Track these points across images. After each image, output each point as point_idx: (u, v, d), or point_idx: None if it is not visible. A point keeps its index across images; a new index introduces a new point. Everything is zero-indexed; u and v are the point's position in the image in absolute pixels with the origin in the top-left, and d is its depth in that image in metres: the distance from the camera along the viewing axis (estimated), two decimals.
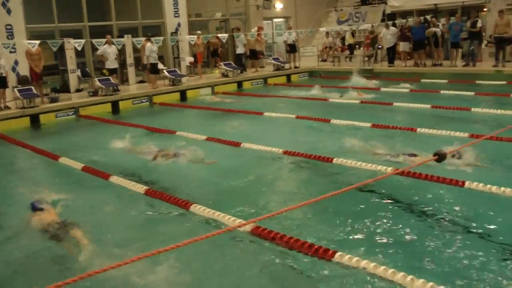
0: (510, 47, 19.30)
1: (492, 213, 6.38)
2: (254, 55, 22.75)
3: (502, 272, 4.88)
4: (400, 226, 6.12)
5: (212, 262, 5.52)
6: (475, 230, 5.86)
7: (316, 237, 5.81)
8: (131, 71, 19.89)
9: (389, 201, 6.96)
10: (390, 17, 25.23)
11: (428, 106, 13.63)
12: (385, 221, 6.27)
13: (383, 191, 7.25)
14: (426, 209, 6.58)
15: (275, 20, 27.52)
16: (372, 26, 23.68)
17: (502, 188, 6.80)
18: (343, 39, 25.24)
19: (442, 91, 16.25)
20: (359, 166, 8.29)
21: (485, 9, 22.18)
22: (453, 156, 7.93)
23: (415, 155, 8.53)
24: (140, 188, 7.81)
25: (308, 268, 5.14)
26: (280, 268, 5.25)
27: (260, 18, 25.83)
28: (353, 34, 23.81)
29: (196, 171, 8.76)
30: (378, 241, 5.72)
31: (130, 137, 11.21)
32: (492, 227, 5.91)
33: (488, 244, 5.50)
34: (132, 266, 4.52)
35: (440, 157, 7.57)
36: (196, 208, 6.79)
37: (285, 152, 9.50)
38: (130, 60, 19.63)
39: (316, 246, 5.36)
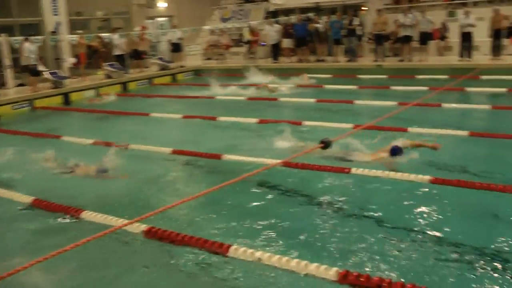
0: (388, 43, 20.57)
1: (378, 195, 6.77)
2: (137, 55, 22.29)
3: (388, 249, 5.20)
4: (290, 214, 6.30)
5: (104, 264, 5.40)
6: (365, 213, 6.16)
7: (210, 232, 5.85)
8: (9, 73, 18.84)
9: (279, 191, 7.15)
10: (272, 15, 25.80)
11: (313, 100, 14.08)
12: (274, 210, 6.45)
13: (273, 182, 7.45)
14: (315, 196, 6.83)
15: (158, 19, 27.21)
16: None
17: (386, 172, 7.24)
18: (241, 35, 25.42)
19: (326, 86, 16.87)
20: (248, 161, 8.38)
21: (364, 8, 23.33)
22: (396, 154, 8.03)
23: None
24: (27, 199, 7.36)
25: (206, 263, 5.15)
26: (176, 266, 5.21)
27: (143, 17, 25.47)
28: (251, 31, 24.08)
29: (85, 176, 8.46)
30: (270, 231, 5.82)
31: (12, 145, 10.60)
32: (379, 208, 6.25)
33: (375, 224, 5.83)
34: (21, 275, 4.34)
35: (326, 144, 7.91)
36: (87, 214, 6.54)
37: (174, 152, 9.42)
38: (7, 61, 18.59)
39: (210, 241, 5.38)
